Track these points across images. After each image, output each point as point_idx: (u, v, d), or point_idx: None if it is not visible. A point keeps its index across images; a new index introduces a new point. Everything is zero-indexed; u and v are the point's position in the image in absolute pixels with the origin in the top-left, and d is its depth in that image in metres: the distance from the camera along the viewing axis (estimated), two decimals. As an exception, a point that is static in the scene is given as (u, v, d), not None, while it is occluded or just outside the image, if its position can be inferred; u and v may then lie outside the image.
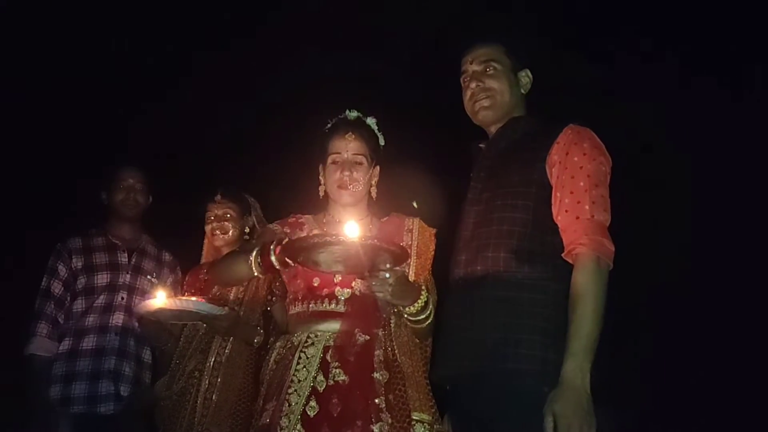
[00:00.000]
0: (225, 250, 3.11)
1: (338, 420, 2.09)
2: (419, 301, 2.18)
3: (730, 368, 3.70)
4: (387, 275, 2.00)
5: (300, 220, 2.41)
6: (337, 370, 2.15)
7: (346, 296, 2.26)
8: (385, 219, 2.43)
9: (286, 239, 2.16)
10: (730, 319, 3.73)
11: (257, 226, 3.15)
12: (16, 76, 3.96)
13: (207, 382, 2.85)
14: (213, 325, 2.79)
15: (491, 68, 2.18)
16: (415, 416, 2.16)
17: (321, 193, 2.40)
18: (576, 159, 2.00)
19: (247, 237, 3.14)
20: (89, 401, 3.08)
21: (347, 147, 2.32)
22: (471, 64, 2.22)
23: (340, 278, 2.27)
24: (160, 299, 2.67)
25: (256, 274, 2.22)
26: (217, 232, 3.11)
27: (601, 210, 1.97)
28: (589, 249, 1.92)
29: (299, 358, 2.19)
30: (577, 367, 1.84)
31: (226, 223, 3.11)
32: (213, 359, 2.89)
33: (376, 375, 2.15)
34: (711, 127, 3.80)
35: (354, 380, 2.13)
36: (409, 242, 2.34)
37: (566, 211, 1.97)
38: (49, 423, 3.05)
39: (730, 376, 3.70)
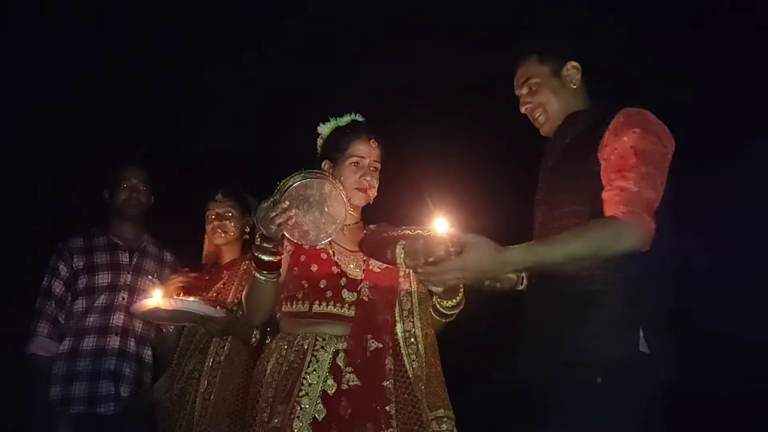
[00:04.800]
0: (225, 249, 3.12)
1: (348, 423, 2.12)
2: (459, 296, 2.31)
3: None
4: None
5: None
6: (351, 375, 2.18)
7: (352, 299, 2.28)
8: (373, 226, 2.47)
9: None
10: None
11: (257, 225, 3.12)
12: (16, 72, 3.95)
13: (206, 382, 2.84)
14: (208, 326, 2.79)
15: (532, 86, 2.20)
16: (440, 413, 2.24)
17: None
18: (626, 139, 1.93)
19: (247, 237, 3.13)
20: (89, 401, 3.08)
21: (370, 152, 2.39)
22: (517, 89, 2.25)
23: (346, 281, 2.29)
24: (156, 299, 2.67)
25: (266, 279, 2.23)
26: (218, 230, 3.10)
27: (649, 187, 1.87)
28: (625, 217, 1.82)
29: (310, 361, 2.21)
30: (519, 256, 1.84)
31: (227, 222, 3.10)
32: (212, 359, 2.88)
33: (386, 383, 2.19)
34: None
35: (366, 386, 2.17)
36: None
37: (611, 186, 1.89)
38: (48, 423, 3.05)
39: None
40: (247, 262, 3.02)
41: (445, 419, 2.26)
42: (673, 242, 1.99)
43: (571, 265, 1.87)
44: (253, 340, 2.80)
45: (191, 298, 2.78)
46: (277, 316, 2.40)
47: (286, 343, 2.30)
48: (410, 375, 2.24)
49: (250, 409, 2.31)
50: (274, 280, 2.25)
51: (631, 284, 1.90)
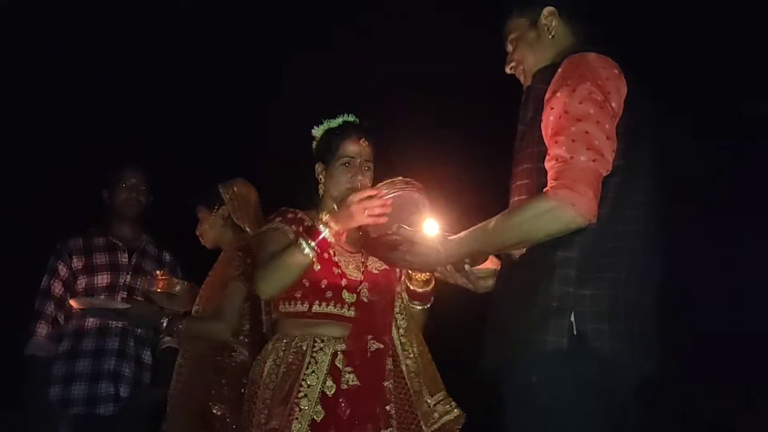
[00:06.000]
0: (217, 241, 3.12)
1: (347, 423, 2.13)
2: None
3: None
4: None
5: (299, 216, 2.39)
6: (350, 375, 2.19)
7: (352, 300, 2.28)
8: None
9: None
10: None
11: (232, 206, 3.07)
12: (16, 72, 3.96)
13: (175, 382, 2.90)
14: (127, 320, 2.97)
15: (512, 43, 2.02)
16: (441, 396, 2.32)
17: (321, 192, 2.42)
18: (559, 95, 1.70)
19: (223, 227, 3.10)
20: (89, 402, 3.08)
21: (361, 152, 2.38)
22: (505, 47, 2.06)
23: (346, 282, 2.28)
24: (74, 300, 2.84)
25: (312, 258, 2.16)
26: (201, 239, 3.15)
27: (582, 149, 1.63)
28: (554, 193, 1.62)
29: (308, 362, 2.21)
30: (458, 247, 1.81)
31: (201, 231, 3.13)
32: (180, 359, 2.94)
33: (386, 383, 2.22)
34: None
35: (366, 386, 2.19)
36: None
37: (548, 156, 1.69)
38: (48, 424, 3.05)
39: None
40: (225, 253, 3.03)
41: (446, 399, 2.33)
42: (642, 215, 1.75)
43: (510, 249, 1.76)
44: (161, 326, 2.84)
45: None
46: (273, 316, 2.40)
47: (283, 344, 2.29)
48: (405, 373, 2.28)
49: (246, 411, 2.30)
50: (312, 259, 2.18)
51: (571, 263, 1.68)
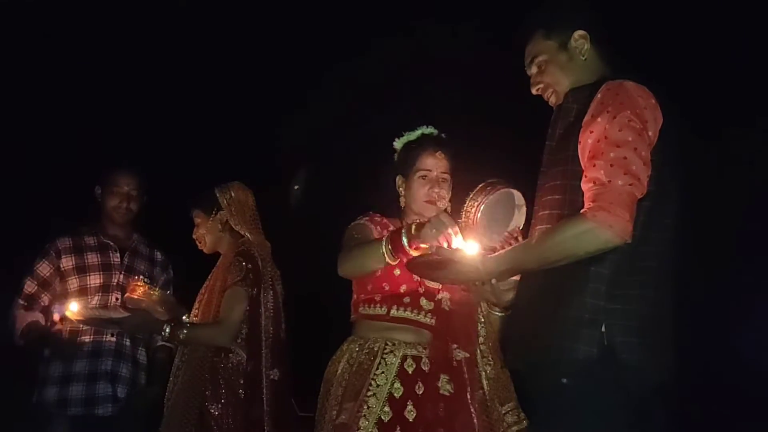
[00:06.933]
0: (216, 247, 3.11)
1: (414, 426, 2.21)
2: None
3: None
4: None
5: (384, 221, 2.49)
6: (449, 385, 2.28)
7: (429, 307, 2.36)
8: None
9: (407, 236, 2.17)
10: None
11: (230, 211, 3.05)
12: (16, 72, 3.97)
13: (172, 383, 2.91)
14: (122, 328, 2.97)
15: (540, 65, 2.05)
16: (511, 405, 2.40)
17: (402, 204, 2.50)
18: (600, 120, 1.78)
19: (221, 232, 3.08)
20: (87, 403, 3.07)
21: (437, 165, 2.45)
22: (527, 68, 2.10)
23: (424, 289, 2.36)
24: (71, 309, 2.91)
25: (388, 261, 2.23)
26: (199, 244, 3.14)
27: (620, 173, 1.72)
28: (592, 214, 1.71)
29: (379, 363, 2.30)
30: (496, 265, 1.88)
31: (198, 237, 3.13)
32: (178, 360, 2.95)
33: (478, 392, 2.33)
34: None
35: (459, 394, 2.28)
36: None
37: (585, 177, 1.78)
38: (46, 425, 3.05)
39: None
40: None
41: (516, 410, 2.40)
42: (668, 238, 1.85)
43: (549, 266, 1.81)
44: (163, 334, 2.83)
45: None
46: (352, 318, 2.48)
47: (357, 345, 2.39)
48: (484, 381, 2.38)
49: (319, 408, 2.40)
50: (388, 261, 2.24)
51: (603, 278, 1.78)
